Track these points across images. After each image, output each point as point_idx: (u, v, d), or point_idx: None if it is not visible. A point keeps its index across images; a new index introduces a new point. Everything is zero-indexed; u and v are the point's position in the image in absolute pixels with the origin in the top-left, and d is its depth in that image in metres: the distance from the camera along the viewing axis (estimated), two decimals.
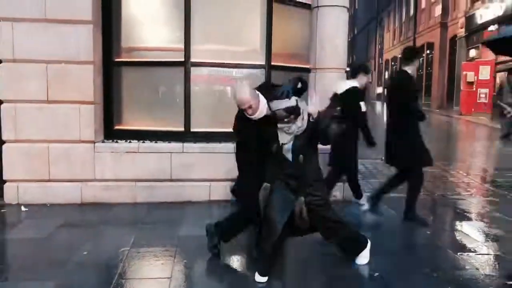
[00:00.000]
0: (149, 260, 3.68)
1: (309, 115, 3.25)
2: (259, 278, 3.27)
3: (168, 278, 3.31)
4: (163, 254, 3.76)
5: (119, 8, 5.51)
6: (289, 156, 3.25)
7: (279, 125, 3.21)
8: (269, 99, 3.24)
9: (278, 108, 3.15)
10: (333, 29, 5.68)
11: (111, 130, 5.58)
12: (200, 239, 3.97)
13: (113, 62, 5.54)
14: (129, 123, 5.68)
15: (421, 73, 26.97)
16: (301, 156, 3.23)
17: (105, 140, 5.48)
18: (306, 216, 3.27)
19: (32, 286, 3.13)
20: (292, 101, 3.15)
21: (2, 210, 5.02)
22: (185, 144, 5.41)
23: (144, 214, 4.92)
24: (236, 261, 3.75)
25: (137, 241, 4.04)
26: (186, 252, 3.82)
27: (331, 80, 5.58)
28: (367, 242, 3.64)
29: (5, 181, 5.25)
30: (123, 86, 5.65)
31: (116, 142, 5.45)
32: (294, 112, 3.14)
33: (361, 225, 4.70)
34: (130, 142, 5.45)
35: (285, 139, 3.23)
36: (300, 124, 3.21)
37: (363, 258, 3.61)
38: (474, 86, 17.94)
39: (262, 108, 3.38)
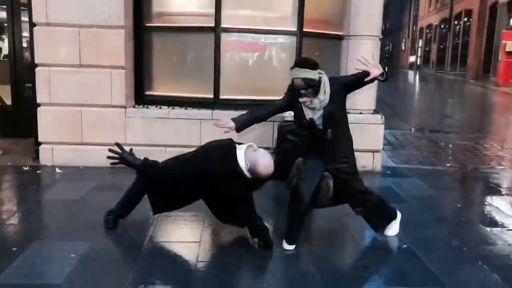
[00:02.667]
0: (179, 225, 3.75)
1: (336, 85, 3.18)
2: (287, 246, 3.30)
3: (197, 242, 3.38)
4: (193, 219, 3.83)
5: None
6: (318, 129, 3.20)
7: (301, 100, 3.17)
8: (292, 66, 3.18)
9: (297, 77, 3.10)
10: None
11: (142, 96, 5.62)
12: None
13: (144, 27, 5.53)
14: (160, 89, 5.71)
15: (457, 41, 25.99)
16: (329, 130, 3.18)
17: (136, 106, 5.53)
18: (331, 193, 3.24)
19: (67, 246, 3.24)
20: (314, 74, 3.09)
21: (38, 172, 5.19)
22: (214, 111, 5.41)
23: None
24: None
25: None
26: (214, 218, 3.87)
27: (365, 48, 5.42)
28: (396, 214, 3.60)
29: (40, 143, 5.40)
30: (153, 52, 5.65)
31: (147, 107, 5.50)
32: (313, 85, 3.09)
33: (391, 196, 4.64)
34: (160, 108, 5.49)
35: (311, 114, 3.19)
36: (322, 98, 3.15)
37: (393, 229, 3.58)
38: None
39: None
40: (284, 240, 3.32)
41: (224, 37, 5.47)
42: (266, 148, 5.21)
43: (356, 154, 3.41)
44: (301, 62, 3.22)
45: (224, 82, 5.56)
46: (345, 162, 3.29)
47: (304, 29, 5.55)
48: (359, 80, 3.25)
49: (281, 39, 5.67)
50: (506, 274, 3.00)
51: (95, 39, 5.14)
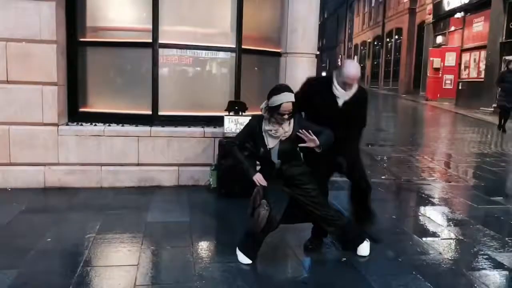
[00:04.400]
0: (115, 247, 3.60)
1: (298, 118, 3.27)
2: (245, 260, 3.32)
3: (135, 265, 3.26)
4: (130, 241, 3.69)
5: None
6: (274, 159, 3.26)
7: (267, 128, 3.23)
8: (276, 91, 3.21)
9: (289, 101, 3.16)
10: (304, 12, 5.61)
11: (76, 113, 5.40)
12: (168, 225, 3.93)
13: (78, 42, 5.35)
14: (95, 106, 5.52)
15: (390, 58, 27.33)
16: (278, 161, 3.25)
17: (70, 123, 5.30)
18: (263, 222, 3.23)
19: None
20: (293, 98, 3.18)
21: None
22: (153, 128, 5.30)
23: (110, 199, 4.81)
24: (205, 247, 3.73)
25: (103, 227, 3.95)
26: (153, 238, 3.76)
27: (302, 65, 5.57)
28: (365, 234, 3.66)
29: None
30: (88, 67, 5.46)
31: (81, 125, 5.28)
32: (294, 109, 3.17)
33: None
34: (95, 125, 5.29)
35: (271, 143, 3.24)
36: (287, 129, 3.23)
37: (364, 249, 3.58)
38: (440, 72, 18.33)
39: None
40: (241, 253, 3.35)
41: (162, 52, 5.40)
42: (207, 165, 5.24)
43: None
44: (287, 87, 3.27)
45: (162, 98, 5.47)
46: (306, 188, 3.34)
47: (243, 46, 5.60)
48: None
49: (220, 55, 5.70)
50: (438, 282, 3.14)
51: (24, 53, 4.89)
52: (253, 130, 3.33)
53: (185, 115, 5.53)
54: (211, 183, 5.19)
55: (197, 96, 5.68)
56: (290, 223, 3.49)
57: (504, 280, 3.26)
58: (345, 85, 3.36)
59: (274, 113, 3.19)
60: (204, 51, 5.62)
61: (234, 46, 5.58)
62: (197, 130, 5.35)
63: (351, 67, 3.37)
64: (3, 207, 4.44)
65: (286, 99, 3.16)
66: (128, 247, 3.59)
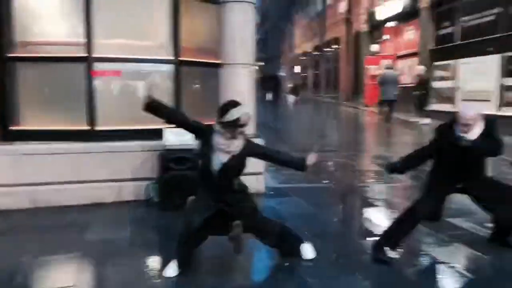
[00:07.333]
0: (51, 269, 3.45)
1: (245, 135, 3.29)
2: (168, 272, 3.26)
3: (70, 286, 3.12)
4: (67, 261, 3.56)
5: None
6: (215, 173, 3.23)
7: (220, 141, 3.20)
8: (231, 106, 3.22)
9: (246, 112, 3.19)
10: (241, 23, 5.67)
11: (6, 132, 5.14)
12: (108, 242, 3.81)
13: (6, 58, 5.11)
14: (28, 123, 5.27)
15: (330, 67, 28.14)
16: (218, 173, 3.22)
17: (0, 143, 5.04)
18: (240, 236, 3.29)
19: None
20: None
21: None
22: (91, 144, 5.14)
23: (47, 219, 4.60)
24: (146, 263, 3.64)
25: (39, 249, 3.77)
26: (93, 257, 3.64)
27: (241, 76, 5.62)
28: (301, 238, 3.71)
29: None
30: (19, 84, 5.22)
31: (12, 144, 5.03)
32: (247, 122, 3.19)
33: (274, 216, 4.78)
34: (28, 143, 5.06)
35: (223, 158, 3.22)
36: (238, 144, 3.23)
37: (308, 252, 3.63)
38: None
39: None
40: (167, 268, 3.30)
41: (97, 66, 5.27)
42: (149, 179, 5.15)
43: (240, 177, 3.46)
44: (238, 102, 3.29)
45: (100, 113, 5.32)
46: (242, 206, 3.35)
47: (181, 58, 5.57)
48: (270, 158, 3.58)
49: (158, 67, 5.63)
50: (378, 281, 3.25)
51: None
52: (205, 133, 3.30)
53: (125, 129, 5.39)
54: (153, 197, 5.10)
55: (136, 110, 5.53)
56: (216, 234, 3.43)
57: (442, 274, 3.42)
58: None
59: (231, 127, 3.18)
60: (141, 64, 5.54)
61: (172, 58, 5.54)
62: (137, 144, 5.25)
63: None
64: None
65: (245, 111, 3.20)
66: (64, 268, 3.46)
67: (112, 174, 5.16)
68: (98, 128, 5.30)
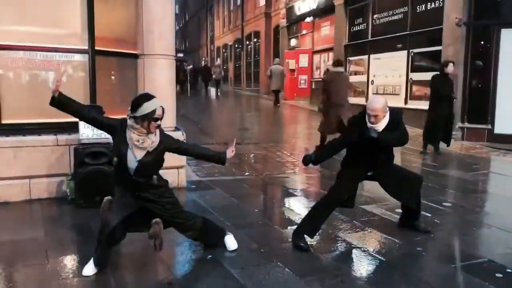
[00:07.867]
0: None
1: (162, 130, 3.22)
2: (87, 271, 3.17)
3: None
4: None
5: None
6: (131, 170, 3.12)
7: (133, 137, 3.06)
8: (144, 98, 3.11)
9: (160, 105, 3.09)
10: (160, 13, 5.53)
11: None
12: (19, 243, 3.58)
13: None
14: None
15: (250, 60, 28.44)
16: (133, 171, 3.12)
17: None
18: (159, 234, 3.21)
19: None
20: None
21: None
22: None
23: None
24: (62, 263, 3.47)
25: None
26: (2, 259, 3.40)
27: (161, 67, 5.50)
28: (224, 229, 3.75)
29: None
30: None
31: None
32: (162, 115, 3.10)
33: (196, 209, 4.78)
34: None
35: (138, 154, 3.09)
36: (154, 139, 3.12)
37: (231, 243, 3.67)
38: (296, 73, 19.60)
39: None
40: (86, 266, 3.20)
41: (2, 55, 4.90)
42: (63, 175, 4.90)
43: (160, 172, 3.39)
44: (152, 95, 3.17)
45: (6, 105, 4.97)
46: (161, 202, 3.28)
47: (97, 47, 5.34)
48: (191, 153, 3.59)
49: (71, 57, 5.35)
50: (297, 267, 3.37)
51: None
52: (117, 129, 3.16)
53: (35, 123, 5.09)
54: (68, 194, 4.86)
55: (48, 102, 5.25)
56: (136, 231, 3.36)
57: (357, 258, 3.63)
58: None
59: (145, 121, 3.06)
60: (53, 53, 5.23)
61: (86, 47, 5.30)
62: (49, 138, 4.97)
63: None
64: None
65: (159, 104, 3.09)
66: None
67: (22, 170, 4.84)
68: (4, 121, 4.95)
